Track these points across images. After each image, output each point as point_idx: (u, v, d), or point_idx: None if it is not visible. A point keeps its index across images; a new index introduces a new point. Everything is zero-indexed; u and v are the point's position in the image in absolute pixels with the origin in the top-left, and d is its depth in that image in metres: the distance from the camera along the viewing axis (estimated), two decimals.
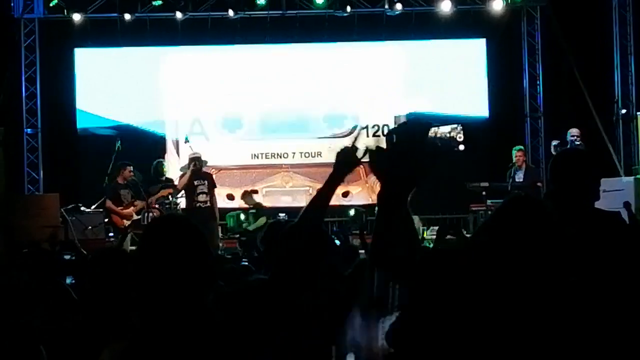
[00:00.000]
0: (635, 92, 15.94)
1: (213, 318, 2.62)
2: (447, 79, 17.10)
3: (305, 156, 16.96)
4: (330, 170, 2.95)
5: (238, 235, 14.58)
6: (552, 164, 4.58)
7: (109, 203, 13.58)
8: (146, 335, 2.56)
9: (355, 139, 2.99)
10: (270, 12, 16.73)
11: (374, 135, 16.31)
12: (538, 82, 17.34)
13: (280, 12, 16.84)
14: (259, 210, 15.25)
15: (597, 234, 4.03)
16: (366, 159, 2.60)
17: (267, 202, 16.71)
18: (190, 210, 13.29)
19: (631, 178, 14.11)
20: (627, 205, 6.10)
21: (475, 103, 17.02)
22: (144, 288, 2.60)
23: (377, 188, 2.55)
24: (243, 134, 17.01)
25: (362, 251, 7.50)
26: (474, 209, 14.64)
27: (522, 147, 14.76)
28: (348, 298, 2.98)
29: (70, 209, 13.67)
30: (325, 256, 3.31)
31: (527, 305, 2.33)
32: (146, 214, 13.51)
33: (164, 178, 14.42)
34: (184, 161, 14.86)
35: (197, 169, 13.42)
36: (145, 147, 16.21)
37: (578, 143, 13.21)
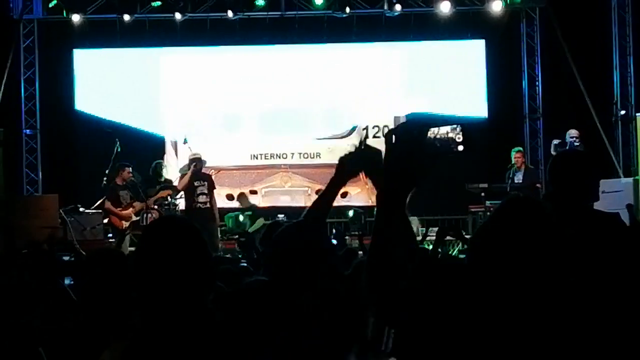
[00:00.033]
0: (635, 93, 15.95)
1: (213, 318, 2.62)
2: (446, 80, 17.10)
3: (304, 157, 16.96)
4: (329, 170, 2.98)
5: (237, 236, 14.58)
6: (551, 165, 4.59)
7: (107, 204, 13.58)
8: (147, 335, 2.56)
9: (362, 142, 3.02)
10: (269, 13, 16.72)
11: (374, 137, 16.27)
12: (537, 83, 17.35)
13: (279, 13, 16.84)
14: (255, 211, 15.29)
15: (596, 235, 4.03)
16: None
17: (266, 202, 16.72)
18: (190, 211, 13.28)
19: (630, 179, 14.13)
20: (629, 207, 6.10)
21: (474, 104, 17.02)
22: (143, 289, 2.60)
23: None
24: (242, 135, 17.01)
25: (361, 252, 7.49)
26: (472, 210, 14.66)
27: (521, 148, 14.78)
28: (348, 298, 2.99)
29: (69, 210, 13.67)
30: (326, 257, 3.32)
31: (526, 306, 2.33)
32: (145, 215, 13.51)
33: (162, 179, 14.42)
34: (183, 162, 14.86)
35: (197, 169, 13.42)
36: (144, 147, 16.21)
37: (577, 144, 13.21)
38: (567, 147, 12.98)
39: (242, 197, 15.80)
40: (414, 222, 14.62)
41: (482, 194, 13.96)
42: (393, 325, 2.41)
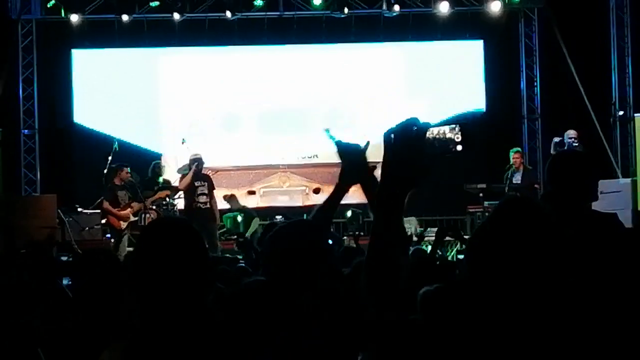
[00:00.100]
0: (633, 94, 15.96)
1: (213, 318, 2.62)
2: (444, 81, 17.11)
3: (302, 157, 16.97)
4: (327, 170, 3.04)
5: (235, 237, 14.58)
6: (550, 166, 4.59)
7: (106, 204, 13.57)
8: (146, 335, 2.57)
9: (365, 148, 3.11)
10: (268, 13, 16.73)
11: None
12: (535, 84, 17.36)
13: (278, 13, 16.84)
14: (247, 212, 15.31)
15: (594, 235, 4.03)
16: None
17: (264, 203, 16.73)
18: (190, 210, 13.28)
19: (628, 180, 14.15)
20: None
21: (472, 104, 17.02)
22: (142, 289, 2.61)
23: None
24: (240, 135, 17.01)
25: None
26: (471, 210, 14.67)
27: (519, 148, 14.78)
28: (348, 298, 2.99)
29: (67, 210, 13.67)
30: (326, 257, 3.33)
31: (525, 306, 2.34)
32: (143, 216, 13.51)
33: (161, 179, 14.41)
34: (181, 162, 14.86)
35: (198, 170, 13.43)
36: (142, 148, 16.20)
37: (576, 144, 13.22)
38: (566, 148, 12.99)
39: (232, 198, 15.81)
40: (412, 222, 14.64)
41: (481, 194, 13.96)
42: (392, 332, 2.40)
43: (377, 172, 2.63)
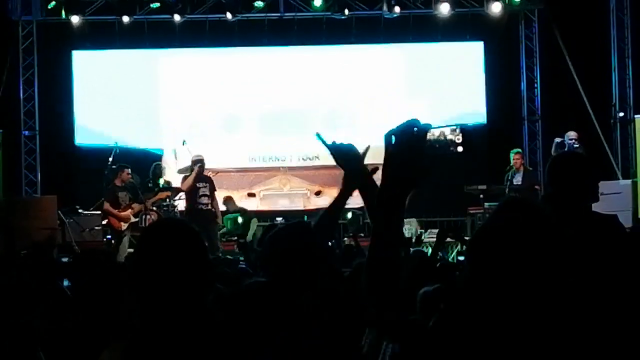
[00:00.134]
0: (633, 95, 15.97)
1: (213, 319, 2.63)
2: (444, 82, 17.10)
3: (303, 159, 16.95)
4: (328, 172, 3.06)
5: (236, 238, 14.59)
6: (550, 167, 4.59)
7: (106, 205, 13.58)
8: (146, 336, 2.57)
9: (364, 154, 3.13)
10: (268, 14, 16.73)
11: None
12: (536, 85, 17.35)
13: (278, 14, 16.84)
14: (245, 214, 15.31)
15: (594, 236, 4.04)
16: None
17: (264, 206, 16.72)
18: (191, 211, 13.28)
19: (628, 181, 14.16)
20: None
21: (473, 106, 17.02)
22: (143, 290, 2.61)
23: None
24: (241, 137, 17.01)
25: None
26: (471, 211, 14.66)
27: (519, 149, 14.77)
28: (348, 298, 2.99)
29: (67, 211, 13.67)
30: (326, 257, 3.34)
31: (525, 307, 2.34)
32: (144, 217, 13.52)
33: (161, 180, 14.41)
34: (182, 164, 14.86)
35: (200, 171, 13.43)
36: (142, 149, 16.19)
37: (576, 146, 13.22)
38: (566, 149, 12.99)
39: (229, 201, 15.81)
40: (413, 223, 14.64)
41: (481, 195, 13.95)
42: (391, 336, 2.41)
43: (379, 175, 2.63)
